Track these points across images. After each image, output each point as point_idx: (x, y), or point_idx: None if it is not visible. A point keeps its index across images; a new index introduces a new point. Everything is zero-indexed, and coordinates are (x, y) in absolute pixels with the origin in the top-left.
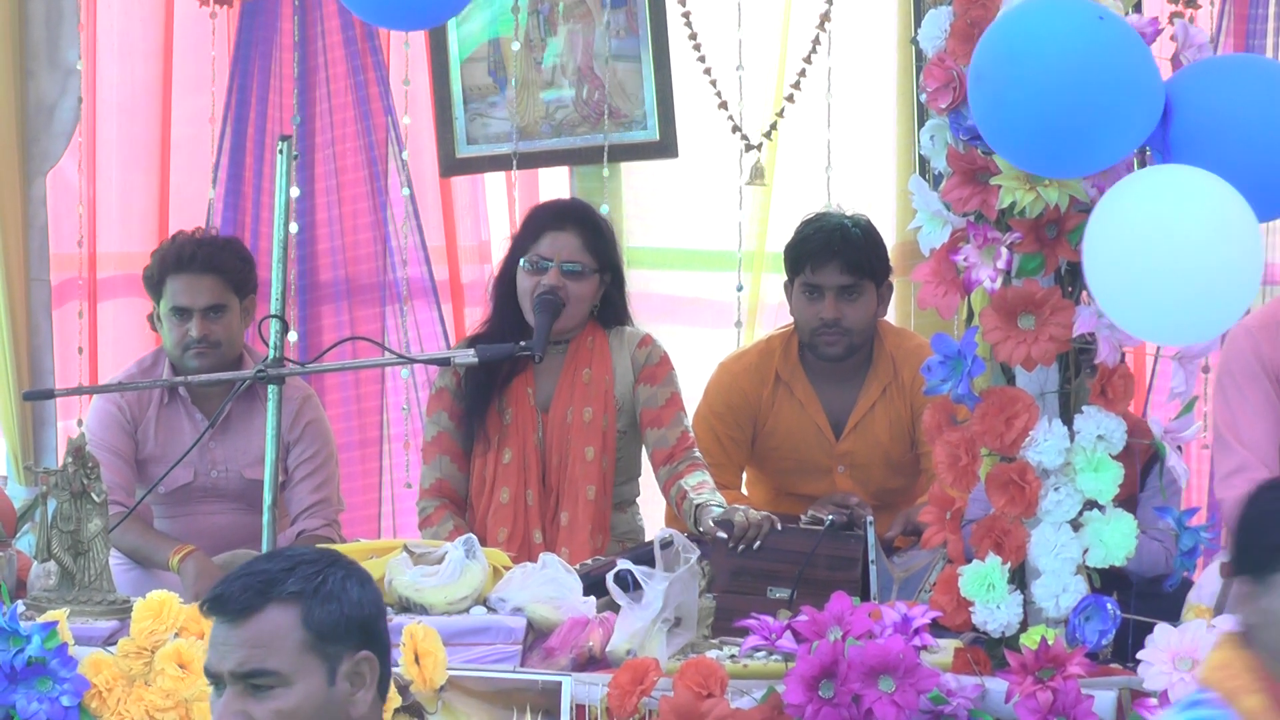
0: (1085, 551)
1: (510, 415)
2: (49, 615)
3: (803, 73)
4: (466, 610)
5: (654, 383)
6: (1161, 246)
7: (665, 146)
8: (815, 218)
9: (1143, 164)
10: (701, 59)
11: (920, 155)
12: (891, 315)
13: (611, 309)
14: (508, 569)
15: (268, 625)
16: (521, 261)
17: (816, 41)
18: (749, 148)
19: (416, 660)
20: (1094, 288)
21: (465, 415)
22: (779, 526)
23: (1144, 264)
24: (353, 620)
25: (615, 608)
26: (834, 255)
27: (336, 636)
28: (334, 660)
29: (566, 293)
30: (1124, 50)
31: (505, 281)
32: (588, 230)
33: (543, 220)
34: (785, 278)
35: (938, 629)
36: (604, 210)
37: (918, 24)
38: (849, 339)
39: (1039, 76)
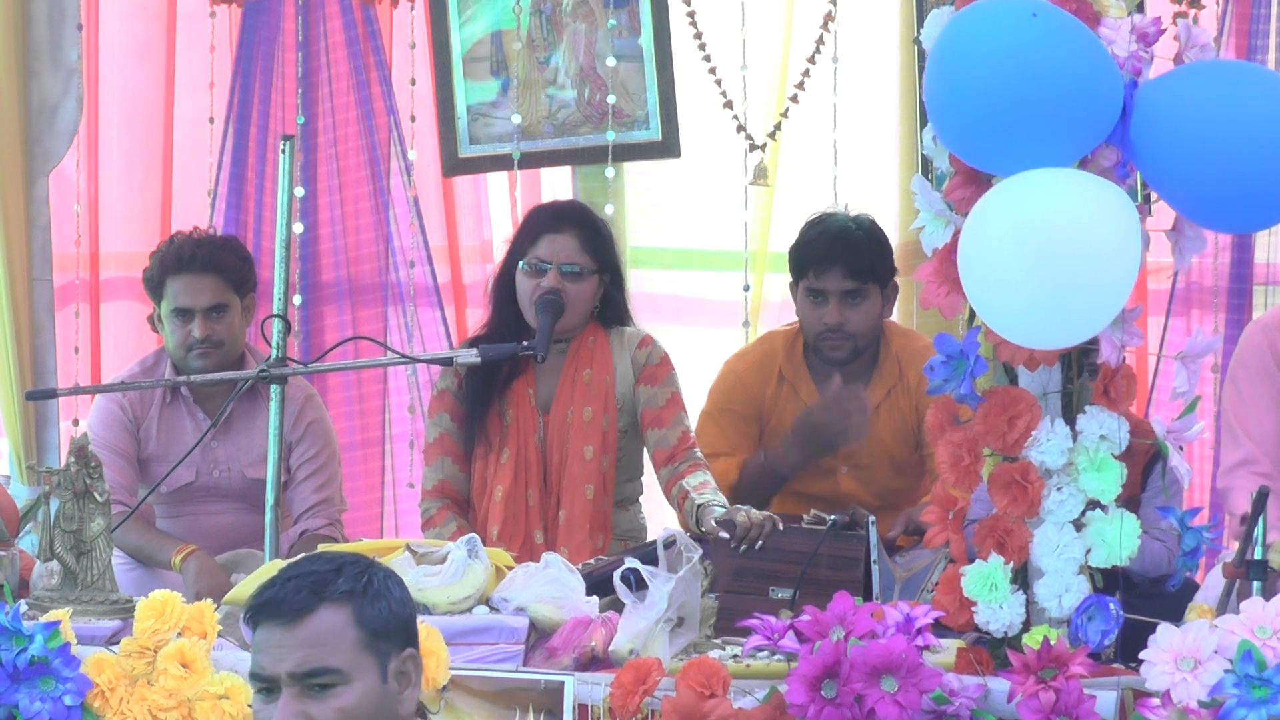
0: (1088, 551)
1: (511, 416)
2: (51, 615)
3: (806, 73)
4: (469, 610)
5: (654, 383)
6: (1030, 247)
7: (668, 146)
8: (818, 219)
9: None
10: (706, 59)
11: (923, 155)
12: (895, 315)
13: (612, 309)
14: (510, 569)
15: (324, 625)
16: (520, 264)
17: (820, 42)
18: (753, 148)
19: None
20: (968, 290)
21: (467, 416)
22: (781, 526)
23: (1013, 265)
24: (398, 618)
25: (618, 607)
26: (837, 261)
27: (386, 634)
28: (385, 658)
29: (566, 294)
30: (1060, 46)
31: (504, 283)
32: (585, 231)
33: (540, 222)
34: (790, 279)
35: (940, 629)
36: (609, 210)
37: (920, 24)
38: (853, 343)
39: (969, 75)
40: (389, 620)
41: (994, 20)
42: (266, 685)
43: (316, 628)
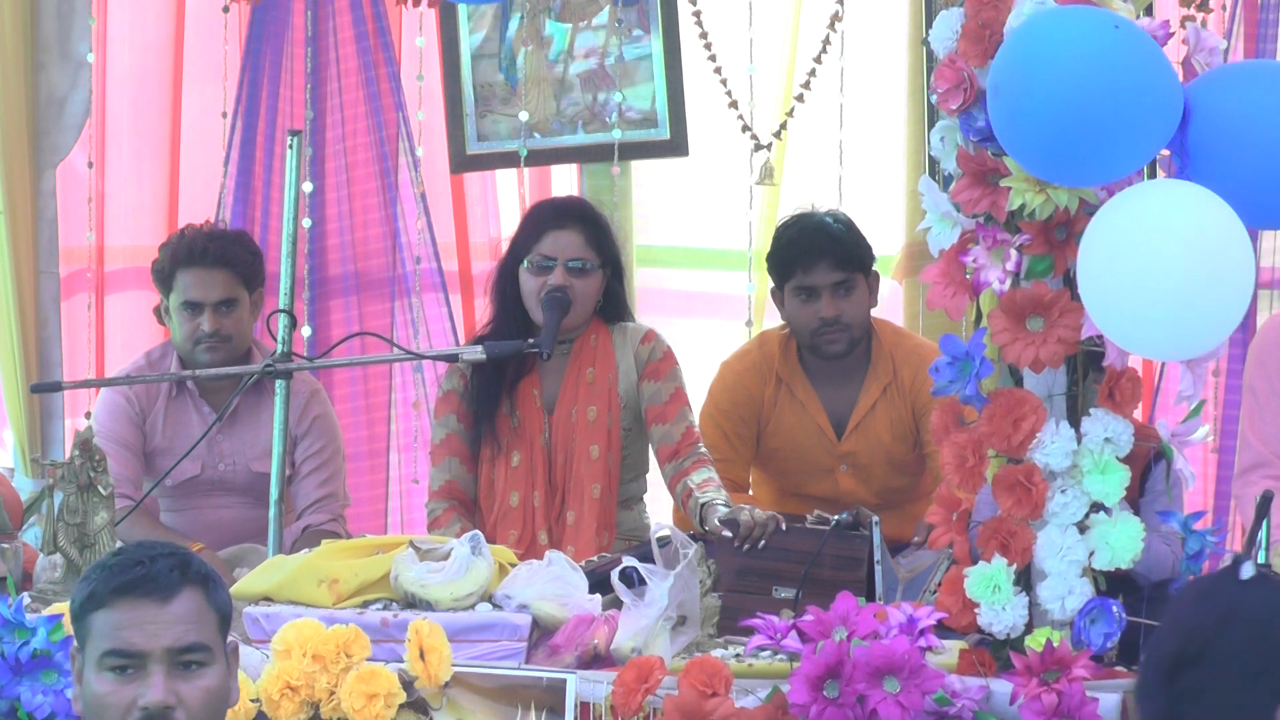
0: (1091, 554)
1: (519, 418)
2: (54, 608)
3: (813, 73)
4: (472, 607)
5: (657, 379)
6: (1153, 261)
7: (676, 145)
8: (793, 220)
9: (1153, 174)
10: (712, 58)
11: (930, 156)
12: (900, 316)
13: (614, 304)
14: (514, 566)
15: (192, 603)
16: (525, 262)
17: (827, 42)
18: (759, 147)
19: (421, 656)
20: (1087, 301)
21: (474, 418)
22: (784, 526)
23: (1135, 278)
24: (230, 608)
25: (621, 605)
26: (823, 254)
27: (226, 621)
28: (225, 644)
29: (573, 291)
30: (1139, 57)
31: (506, 280)
32: (589, 227)
33: (544, 219)
34: (772, 284)
35: (943, 630)
36: (614, 211)
37: (929, 25)
38: (849, 334)
39: (1052, 85)
40: (227, 608)
41: (1077, 31)
42: (129, 663)
43: (187, 605)
